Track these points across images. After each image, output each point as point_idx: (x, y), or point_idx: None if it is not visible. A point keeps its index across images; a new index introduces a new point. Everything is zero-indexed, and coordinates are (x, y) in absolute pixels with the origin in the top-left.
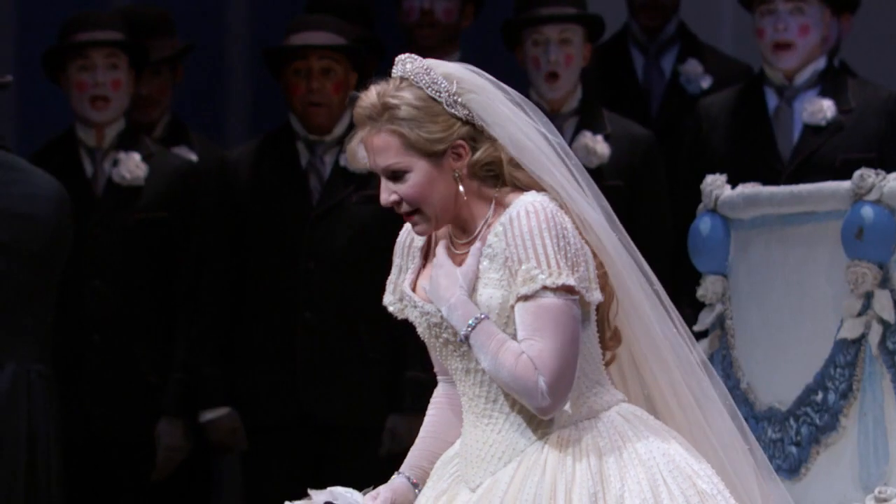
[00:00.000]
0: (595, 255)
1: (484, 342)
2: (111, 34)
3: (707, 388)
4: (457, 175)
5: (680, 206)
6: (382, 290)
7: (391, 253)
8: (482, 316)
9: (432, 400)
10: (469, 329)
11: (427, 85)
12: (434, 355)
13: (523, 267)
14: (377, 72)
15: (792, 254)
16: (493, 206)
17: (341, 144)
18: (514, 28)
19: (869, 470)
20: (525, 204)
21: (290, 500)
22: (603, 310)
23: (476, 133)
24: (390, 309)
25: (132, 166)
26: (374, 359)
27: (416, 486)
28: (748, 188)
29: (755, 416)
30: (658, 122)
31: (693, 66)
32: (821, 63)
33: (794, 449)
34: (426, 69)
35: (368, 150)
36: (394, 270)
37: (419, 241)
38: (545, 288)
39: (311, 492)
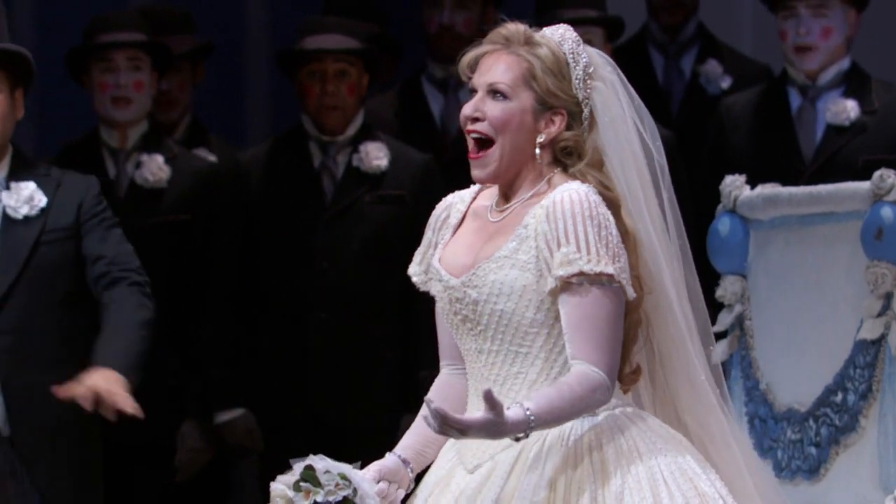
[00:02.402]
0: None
1: (551, 412)
2: (133, 35)
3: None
4: (541, 140)
5: (700, 206)
6: (396, 289)
7: (405, 252)
8: (526, 408)
9: (433, 387)
10: (532, 420)
11: (570, 51)
12: (445, 338)
13: (562, 250)
14: (395, 72)
15: (811, 254)
16: (545, 185)
17: (354, 145)
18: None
19: (888, 470)
20: (570, 190)
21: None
22: (627, 346)
23: (578, 118)
24: (414, 279)
25: (155, 168)
26: (388, 359)
27: (408, 463)
28: (767, 189)
29: (774, 417)
30: (678, 122)
31: (713, 67)
32: (844, 63)
33: (813, 450)
34: (577, 40)
35: (484, 64)
36: (424, 243)
37: (453, 217)
38: (582, 273)
39: (292, 462)
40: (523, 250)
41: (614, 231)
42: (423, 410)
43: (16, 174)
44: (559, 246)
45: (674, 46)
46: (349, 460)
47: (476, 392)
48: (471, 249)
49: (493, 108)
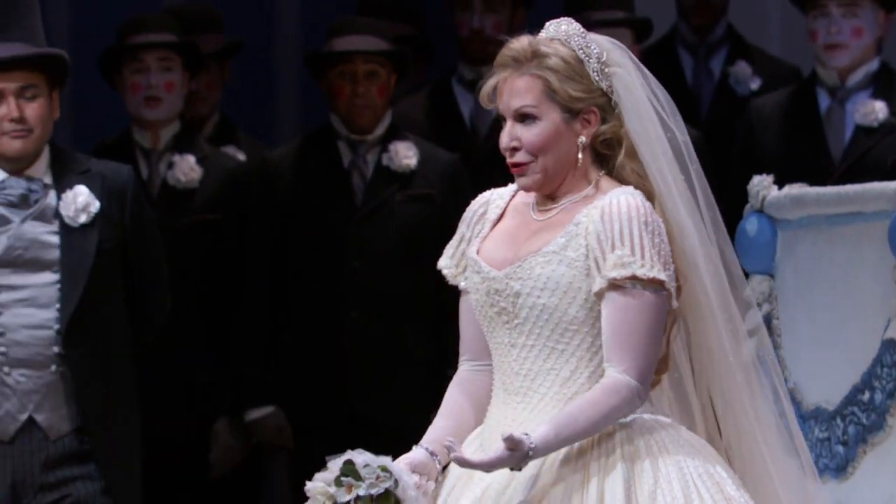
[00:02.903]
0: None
1: (574, 428)
2: (164, 36)
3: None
4: (582, 142)
5: (730, 206)
6: (427, 287)
7: (434, 251)
8: (544, 430)
9: (454, 381)
10: (551, 436)
11: (579, 47)
12: (469, 332)
13: (616, 252)
14: (426, 73)
15: (839, 254)
16: (591, 187)
17: (383, 144)
18: None
19: None
20: (626, 194)
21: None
22: (665, 330)
23: (608, 107)
24: (444, 272)
25: (187, 169)
26: (418, 356)
27: (435, 456)
28: (795, 189)
29: (802, 416)
30: (707, 123)
31: (742, 68)
32: (874, 64)
33: (840, 448)
34: (582, 33)
35: (503, 92)
36: (456, 236)
37: (492, 213)
38: (635, 277)
39: (328, 459)
40: (572, 247)
41: (666, 239)
42: (445, 409)
43: (60, 176)
44: (613, 248)
45: (703, 48)
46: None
47: (503, 387)
48: (513, 244)
49: (527, 134)
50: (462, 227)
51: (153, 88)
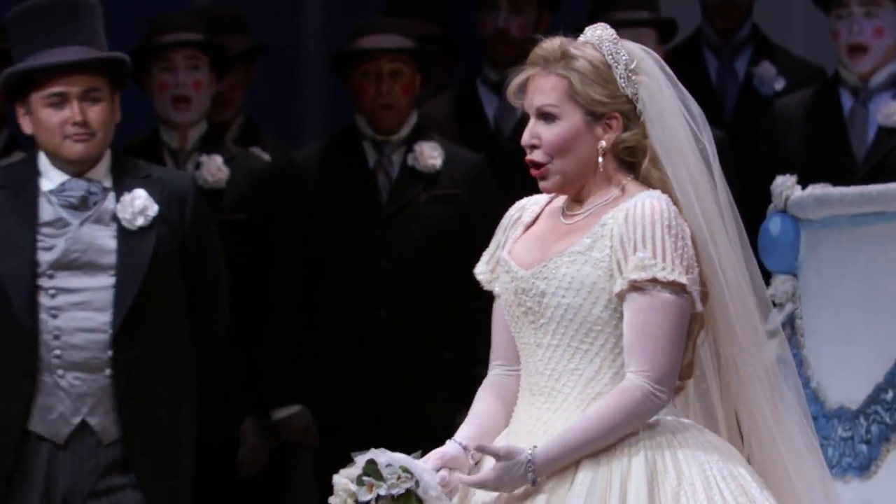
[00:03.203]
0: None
1: (585, 433)
2: (191, 35)
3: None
4: (602, 146)
5: (753, 206)
6: (452, 287)
7: (460, 251)
8: (550, 439)
9: (485, 384)
10: (556, 442)
11: (609, 52)
12: (500, 336)
13: (638, 254)
14: (451, 73)
15: (862, 253)
16: (618, 191)
17: (409, 144)
18: None
19: None
20: (651, 197)
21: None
22: (692, 336)
23: (633, 115)
24: (479, 277)
25: (214, 169)
26: (445, 355)
27: (468, 450)
28: (818, 189)
29: (825, 415)
30: (731, 124)
31: (767, 69)
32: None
33: (864, 447)
34: (613, 39)
35: (529, 89)
36: (492, 243)
37: (527, 217)
38: (655, 280)
39: (354, 455)
40: (598, 248)
41: (690, 243)
42: (477, 410)
43: (120, 180)
44: (635, 250)
45: (728, 48)
46: (408, 453)
47: (529, 387)
48: (542, 245)
49: (546, 132)
50: (498, 234)
51: (181, 87)
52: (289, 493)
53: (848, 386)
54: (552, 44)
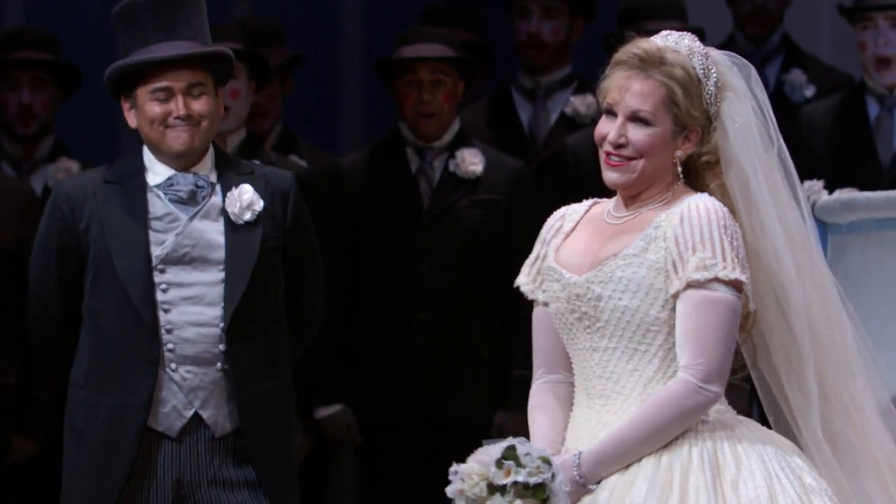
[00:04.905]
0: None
1: (634, 431)
2: (230, 45)
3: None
4: (679, 156)
5: None
6: (491, 290)
7: (499, 255)
8: (602, 445)
9: (535, 393)
10: (605, 440)
11: (702, 66)
12: (547, 343)
13: (698, 255)
14: (487, 80)
15: (888, 257)
16: (669, 195)
17: (451, 150)
18: (617, 41)
19: None
20: (704, 199)
21: (403, 495)
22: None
23: (709, 130)
24: (522, 289)
25: None
26: (483, 357)
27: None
28: (845, 193)
29: None
30: None
31: (797, 76)
32: None
33: None
34: (704, 52)
35: (621, 88)
36: (533, 254)
37: (567, 225)
38: (717, 279)
39: (486, 442)
40: (652, 250)
41: (742, 244)
42: (537, 408)
43: (225, 176)
44: (694, 251)
45: (758, 56)
46: (444, 455)
47: (586, 392)
48: (590, 249)
49: (637, 134)
50: (538, 245)
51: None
52: (329, 491)
53: None
54: (649, 45)
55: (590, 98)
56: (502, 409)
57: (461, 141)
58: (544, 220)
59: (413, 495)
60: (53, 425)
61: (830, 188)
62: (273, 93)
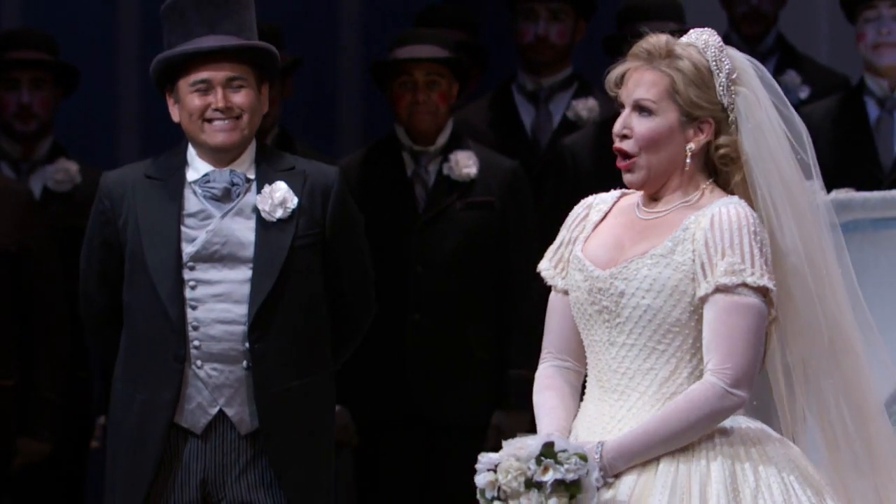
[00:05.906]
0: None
1: (657, 429)
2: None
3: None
4: (691, 148)
5: None
6: (487, 291)
7: (494, 256)
8: (625, 439)
9: (543, 375)
10: (626, 435)
11: (713, 58)
12: (561, 329)
13: (727, 259)
14: (481, 81)
15: (884, 257)
16: (697, 193)
17: (445, 154)
18: (616, 42)
19: None
20: (735, 204)
21: (401, 495)
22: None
23: (726, 123)
24: (543, 274)
25: None
26: (480, 358)
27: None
28: (841, 193)
29: None
30: None
31: (792, 77)
32: None
33: None
34: (719, 46)
35: (629, 81)
36: (557, 240)
37: (594, 215)
38: (745, 284)
39: (520, 435)
40: (679, 251)
41: (770, 251)
42: (547, 391)
43: (264, 172)
44: (723, 255)
45: (754, 57)
46: (442, 455)
47: (599, 384)
48: (617, 244)
49: (640, 125)
50: (563, 231)
51: None
52: None
53: None
54: (658, 39)
55: (591, 101)
56: (499, 410)
57: (455, 143)
58: (541, 221)
59: (411, 495)
60: (61, 426)
61: (829, 190)
62: (272, 96)
